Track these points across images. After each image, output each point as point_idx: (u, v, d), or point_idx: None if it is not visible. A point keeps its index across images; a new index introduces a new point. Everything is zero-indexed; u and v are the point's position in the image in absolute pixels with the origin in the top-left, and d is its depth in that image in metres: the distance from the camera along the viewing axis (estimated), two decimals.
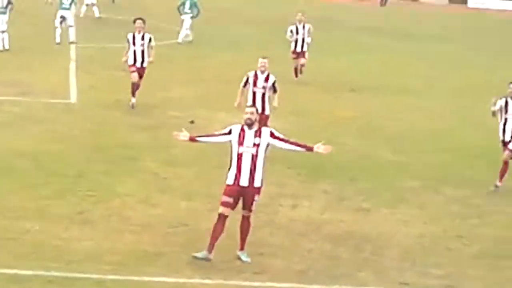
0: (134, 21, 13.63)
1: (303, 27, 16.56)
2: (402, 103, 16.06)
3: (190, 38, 23.62)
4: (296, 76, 17.05)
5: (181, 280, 6.49)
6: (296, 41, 16.78)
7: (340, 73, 18.95)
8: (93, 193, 8.86)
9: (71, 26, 21.41)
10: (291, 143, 6.83)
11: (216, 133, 7.16)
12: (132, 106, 13.52)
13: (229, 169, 6.78)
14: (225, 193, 6.71)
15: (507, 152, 9.89)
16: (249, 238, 7.16)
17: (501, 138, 10.11)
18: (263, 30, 27.10)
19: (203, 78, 17.33)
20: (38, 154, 10.43)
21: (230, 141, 6.74)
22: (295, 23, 16.93)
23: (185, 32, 23.57)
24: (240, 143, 6.64)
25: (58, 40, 21.05)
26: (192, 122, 12.54)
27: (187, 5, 23.62)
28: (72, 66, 18.28)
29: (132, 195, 8.97)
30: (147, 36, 13.47)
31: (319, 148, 6.72)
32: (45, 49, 20.15)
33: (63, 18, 21.13)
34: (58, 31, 21.15)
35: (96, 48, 21.01)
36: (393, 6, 42.88)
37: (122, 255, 6.92)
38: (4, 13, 19.64)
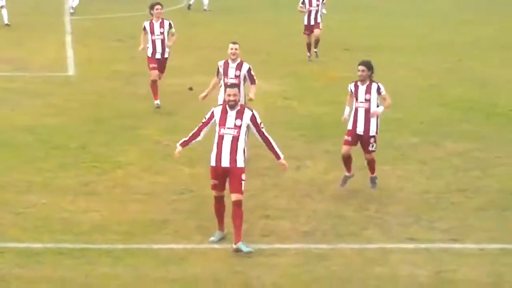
0: (152, 7, 11.95)
1: None
2: (396, 62, 15.97)
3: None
4: (310, 52, 15.43)
5: (190, 246, 6.57)
6: (309, 13, 14.99)
7: (334, 32, 18.71)
8: (97, 164, 8.92)
9: None
10: (264, 139, 6.65)
11: (200, 125, 6.72)
12: (158, 106, 11.66)
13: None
14: (211, 176, 6.61)
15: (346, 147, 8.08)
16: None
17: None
18: None
19: (199, 46, 17.20)
20: (39, 128, 10.47)
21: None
22: None
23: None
24: (222, 124, 6.52)
25: None
26: (190, 88, 12.49)
27: None
28: (68, 39, 18.12)
29: (135, 164, 9.02)
30: (166, 23, 11.92)
31: (282, 163, 6.75)
32: (40, 24, 19.94)
33: None
34: None
35: (91, 19, 20.77)
36: None
37: (130, 224, 7.00)
38: None
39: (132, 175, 8.63)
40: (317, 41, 15.32)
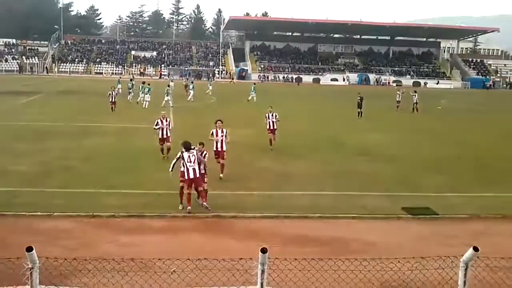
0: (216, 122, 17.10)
1: (272, 114, 22.70)
2: None
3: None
4: (271, 145, 22.60)
5: None
6: (269, 123, 22.70)
7: None
8: None
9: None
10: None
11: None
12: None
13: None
14: None
15: None
16: None
17: None
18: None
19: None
20: None
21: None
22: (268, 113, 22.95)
23: None
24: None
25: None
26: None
27: None
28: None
29: None
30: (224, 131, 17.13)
31: None
32: None
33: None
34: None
35: None
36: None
37: None
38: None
39: None
40: (273, 141, 22.85)
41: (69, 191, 14.66)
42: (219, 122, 16.99)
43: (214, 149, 16.80)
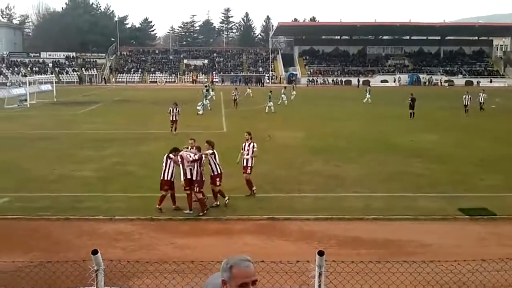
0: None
1: (250, 145, 15.38)
2: None
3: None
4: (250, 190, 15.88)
5: None
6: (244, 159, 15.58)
7: None
8: None
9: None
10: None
11: None
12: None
13: None
14: None
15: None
16: None
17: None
18: None
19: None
20: None
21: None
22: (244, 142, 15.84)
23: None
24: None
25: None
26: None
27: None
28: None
29: None
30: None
31: None
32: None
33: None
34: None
35: None
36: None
37: None
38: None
39: None
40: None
41: (128, 195, 15.18)
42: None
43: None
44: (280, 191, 15.75)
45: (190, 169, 13.39)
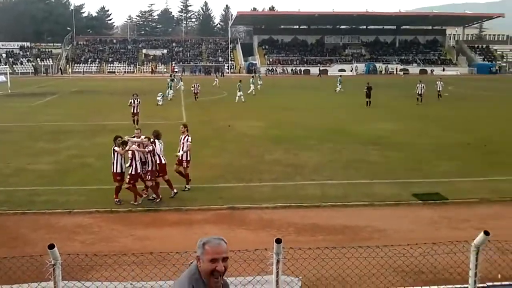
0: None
1: (185, 138, 14.94)
2: None
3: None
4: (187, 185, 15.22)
5: None
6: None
7: None
8: None
9: None
10: None
11: None
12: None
13: None
14: None
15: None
16: None
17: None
18: None
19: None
20: None
21: None
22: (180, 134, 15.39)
23: None
24: None
25: None
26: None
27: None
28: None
29: None
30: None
31: None
32: None
33: None
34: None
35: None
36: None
37: None
38: None
39: None
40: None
41: (86, 188, 15.00)
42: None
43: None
44: (240, 180, 15.87)
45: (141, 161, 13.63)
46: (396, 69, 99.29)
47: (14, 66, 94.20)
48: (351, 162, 18.39)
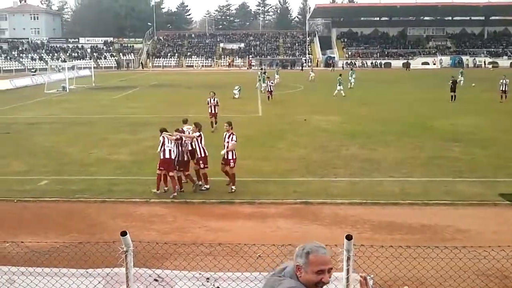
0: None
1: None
2: None
3: None
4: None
5: None
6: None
7: None
8: None
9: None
10: None
11: None
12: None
13: None
14: None
15: None
16: None
17: None
18: None
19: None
20: None
21: None
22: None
23: None
24: None
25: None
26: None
27: None
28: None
29: None
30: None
31: None
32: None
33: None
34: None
35: None
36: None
37: None
38: None
39: None
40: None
41: None
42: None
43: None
44: (315, 175, 15.61)
45: (170, 150, 13.80)
46: (485, 62, 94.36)
47: (98, 60, 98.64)
48: (431, 159, 17.58)
